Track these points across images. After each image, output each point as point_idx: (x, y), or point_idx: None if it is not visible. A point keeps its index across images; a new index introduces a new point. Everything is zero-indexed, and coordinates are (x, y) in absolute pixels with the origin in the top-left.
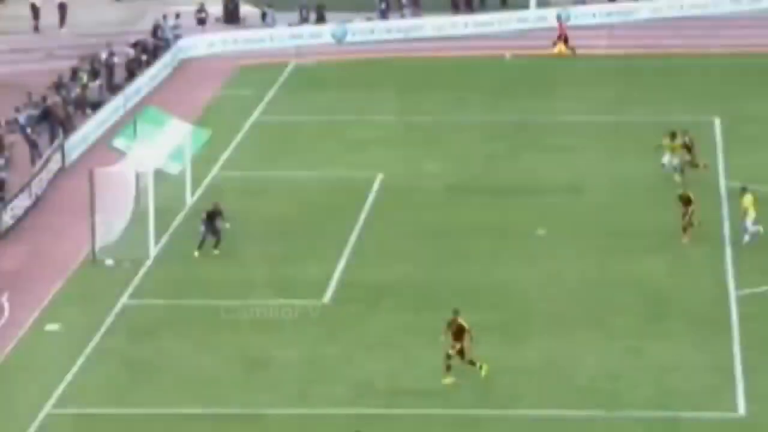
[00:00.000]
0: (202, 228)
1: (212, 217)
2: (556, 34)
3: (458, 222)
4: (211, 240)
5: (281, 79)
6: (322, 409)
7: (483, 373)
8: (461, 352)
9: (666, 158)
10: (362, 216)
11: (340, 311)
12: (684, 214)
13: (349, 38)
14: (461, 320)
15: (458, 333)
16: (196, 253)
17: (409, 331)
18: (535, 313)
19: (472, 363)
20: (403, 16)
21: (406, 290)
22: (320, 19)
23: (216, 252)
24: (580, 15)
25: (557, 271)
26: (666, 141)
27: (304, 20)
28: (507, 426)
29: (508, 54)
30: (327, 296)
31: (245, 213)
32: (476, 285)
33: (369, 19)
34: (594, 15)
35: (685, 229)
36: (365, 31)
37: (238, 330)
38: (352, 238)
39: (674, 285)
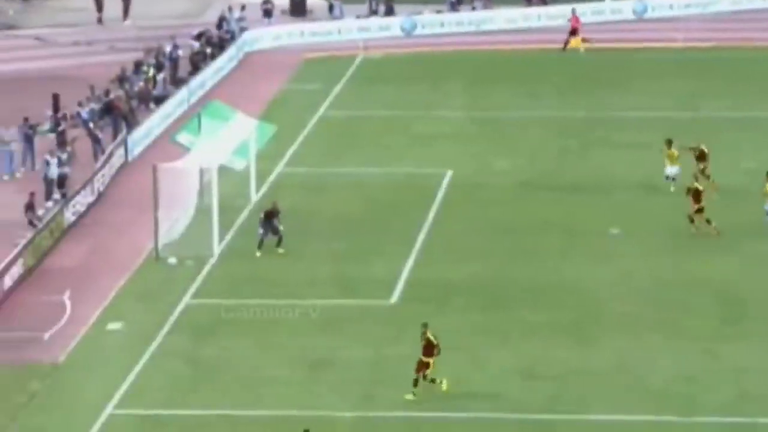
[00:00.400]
0: (260, 229)
1: (270, 216)
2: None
3: (528, 219)
4: (272, 239)
5: (348, 73)
6: (387, 412)
7: (444, 387)
8: (425, 367)
9: (668, 170)
10: (431, 213)
11: (408, 311)
12: (696, 210)
13: (418, 31)
14: (430, 334)
15: (428, 347)
16: (258, 253)
17: (477, 332)
18: (606, 314)
19: (432, 381)
20: (474, 8)
21: (475, 289)
22: (389, 11)
23: (281, 251)
24: (657, 7)
25: (629, 270)
26: (664, 149)
27: (372, 12)
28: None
29: (581, 47)
30: (394, 296)
31: (310, 210)
32: (546, 284)
33: (439, 11)
34: (671, 7)
35: (692, 220)
36: (435, 23)
37: (302, 330)
38: (420, 236)
39: (751, 285)
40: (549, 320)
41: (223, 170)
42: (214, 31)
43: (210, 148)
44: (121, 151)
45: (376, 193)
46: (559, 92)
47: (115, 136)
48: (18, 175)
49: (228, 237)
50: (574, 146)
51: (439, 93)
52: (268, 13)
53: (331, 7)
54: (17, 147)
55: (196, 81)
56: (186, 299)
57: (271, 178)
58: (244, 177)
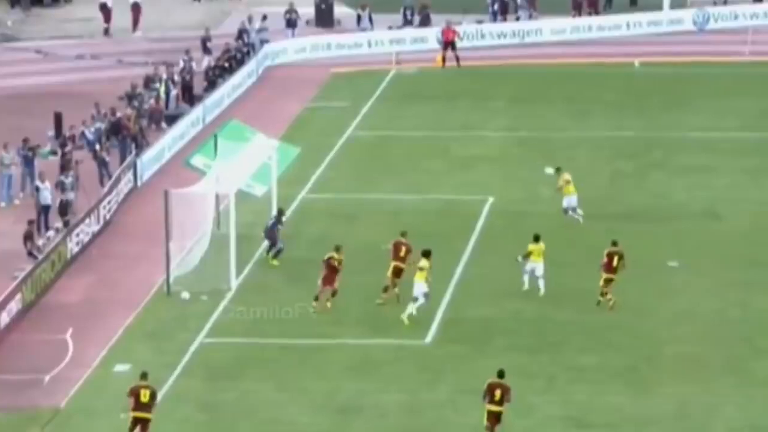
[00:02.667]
0: (281, 243)
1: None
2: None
3: (577, 252)
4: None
5: (379, 89)
6: None
7: None
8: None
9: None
10: (469, 245)
11: (444, 352)
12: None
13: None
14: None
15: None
16: (276, 262)
17: (521, 375)
18: (664, 356)
19: None
20: (518, 18)
21: (519, 329)
22: (425, 21)
23: (275, 263)
24: (720, 17)
25: (691, 307)
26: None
27: (407, 23)
28: None
29: (636, 61)
30: (429, 335)
31: (337, 240)
32: (597, 323)
33: (480, 21)
34: (736, 17)
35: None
36: (475, 35)
37: (328, 373)
38: (458, 269)
39: None
40: (600, 363)
41: (241, 196)
42: (233, 44)
43: (227, 172)
44: (129, 175)
45: (410, 222)
46: (612, 110)
47: (123, 159)
48: (17, 201)
49: (247, 269)
50: (628, 170)
51: (480, 111)
52: (291, 24)
53: (359, 18)
54: (16, 171)
55: (212, 98)
56: (200, 338)
57: (294, 204)
58: (264, 204)
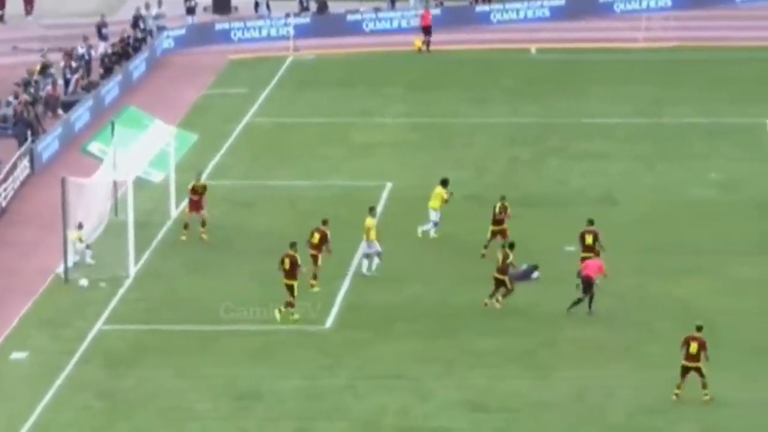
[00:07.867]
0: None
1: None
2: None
3: (476, 237)
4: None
5: (277, 76)
6: None
7: None
8: None
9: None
10: None
11: (344, 338)
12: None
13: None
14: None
15: None
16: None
17: (420, 360)
18: (562, 340)
19: None
20: (414, 6)
21: (418, 314)
22: (322, 8)
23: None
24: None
25: None
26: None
27: (304, 9)
28: None
29: (533, 48)
30: (329, 321)
31: (236, 227)
32: (495, 308)
33: (377, 9)
34: (631, 1)
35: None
36: (372, 21)
37: (228, 359)
38: (358, 254)
39: (720, 309)
40: (499, 347)
41: (139, 183)
42: (129, 30)
43: (125, 159)
44: (25, 162)
45: (309, 208)
46: (510, 97)
47: (19, 146)
48: None
49: (145, 256)
50: (525, 156)
51: (378, 98)
52: (190, 11)
53: (256, 5)
54: None
55: (109, 85)
56: (98, 325)
57: None
58: (162, 190)
